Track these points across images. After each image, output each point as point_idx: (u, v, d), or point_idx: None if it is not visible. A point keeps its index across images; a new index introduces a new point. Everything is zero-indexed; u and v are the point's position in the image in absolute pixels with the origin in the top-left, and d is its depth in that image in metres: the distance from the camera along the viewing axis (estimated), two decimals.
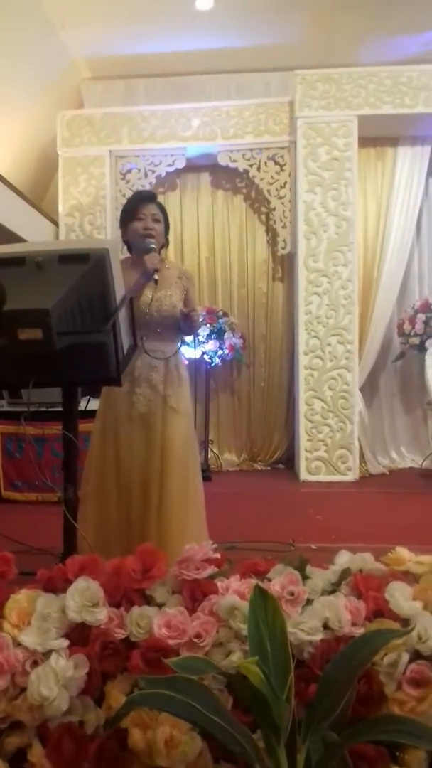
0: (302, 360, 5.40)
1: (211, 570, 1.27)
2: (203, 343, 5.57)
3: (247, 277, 6.07)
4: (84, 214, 5.75)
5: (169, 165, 5.74)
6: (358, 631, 1.16)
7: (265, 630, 1.01)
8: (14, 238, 4.82)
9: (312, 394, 5.37)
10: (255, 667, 0.92)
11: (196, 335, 5.40)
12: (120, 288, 1.79)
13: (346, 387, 5.36)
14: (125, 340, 1.90)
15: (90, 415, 2.49)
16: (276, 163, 5.67)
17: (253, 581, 1.21)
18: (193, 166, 5.90)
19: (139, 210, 2.44)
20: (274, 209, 5.72)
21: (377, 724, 1.00)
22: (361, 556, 1.37)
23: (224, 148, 5.67)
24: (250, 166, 5.69)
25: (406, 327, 5.45)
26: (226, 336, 5.61)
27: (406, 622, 1.17)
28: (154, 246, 2.41)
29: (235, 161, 5.70)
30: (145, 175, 5.76)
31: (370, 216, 5.81)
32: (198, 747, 1.05)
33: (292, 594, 1.21)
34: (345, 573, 1.32)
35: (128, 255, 2.56)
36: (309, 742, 0.94)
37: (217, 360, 5.72)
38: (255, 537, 3.09)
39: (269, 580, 1.27)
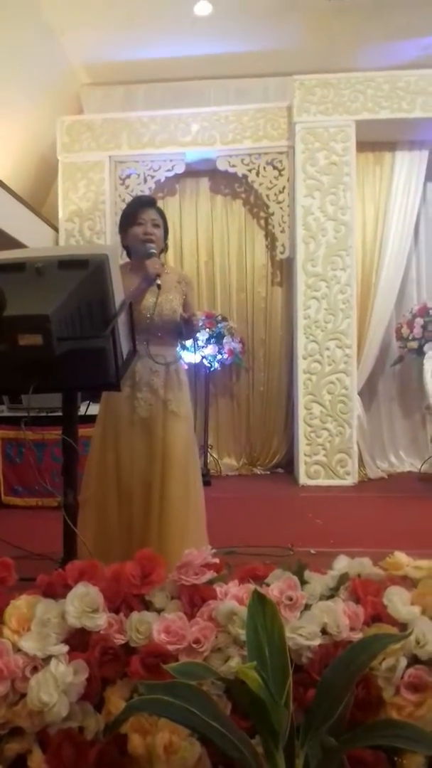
0: (301, 364, 5.40)
1: (209, 575, 1.28)
2: (202, 347, 5.57)
3: (246, 281, 6.08)
4: (84, 219, 5.77)
5: (169, 170, 5.76)
6: (357, 636, 1.16)
7: (264, 635, 1.01)
8: (14, 243, 4.84)
9: (311, 399, 5.38)
10: (253, 673, 0.92)
11: (196, 339, 5.42)
12: (119, 293, 1.80)
13: (344, 391, 5.37)
14: (124, 346, 1.91)
15: (90, 419, 2.50)
16: (274, 167, 5.69)
17: (252, 586, 1.21)
18: (192, 171, 5.92)
19: (138, 215, 2.45)
20: (272, 214, 5.73)
21: (375, 729, 1.00)
22: (360, 560, 1.37)
23: (223, 153, 5.69)
24: (249, 171, 5.71)
25: (405, 331, 5.46)
26: (225, 340, 5.61)
27: (404, 626, 1.18)
28: (154, 251, 2.42)
29: (233, 166, 5.72)
30: (145, 181, 5.78)
31: (368, 220, 5.83)
32: (197, 752, 1.05)
33: (291, 599, 1.21)
34: (343, 578, 1.32)
35: (128, 260, 2.57)
36: (307, 747, 0.94)
37: (216, 364, 5.73)
38: (254, 541, 3.09)
39: (268, 585, 1.26)
